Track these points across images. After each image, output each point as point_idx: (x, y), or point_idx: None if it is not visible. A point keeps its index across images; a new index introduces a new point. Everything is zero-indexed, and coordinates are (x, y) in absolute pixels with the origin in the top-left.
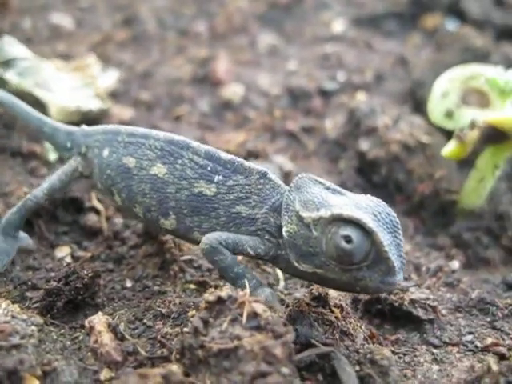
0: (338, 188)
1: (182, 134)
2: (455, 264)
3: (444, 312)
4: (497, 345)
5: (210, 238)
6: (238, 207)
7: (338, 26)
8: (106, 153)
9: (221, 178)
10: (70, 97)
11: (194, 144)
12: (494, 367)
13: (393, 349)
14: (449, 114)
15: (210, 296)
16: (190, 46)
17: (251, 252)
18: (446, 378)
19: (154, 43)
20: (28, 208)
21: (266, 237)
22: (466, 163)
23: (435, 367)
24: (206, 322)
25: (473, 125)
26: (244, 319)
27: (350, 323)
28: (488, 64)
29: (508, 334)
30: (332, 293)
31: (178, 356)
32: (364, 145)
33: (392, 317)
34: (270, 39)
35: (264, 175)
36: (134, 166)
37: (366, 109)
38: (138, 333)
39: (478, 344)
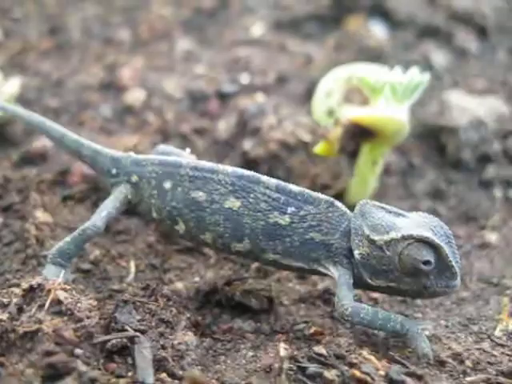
0: (398, 210)
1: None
2: None
3: (287, 303)
4: (321, 334)
5: (345, 302)
6: (312, 234)
7: (258, 29)
8: (168, 185)
9: (293, 209)
10: None
11: (264, 178)
12: (283, 352)
13: (218, 336)
14: (330, 113)
15: (24, 284)
16: (110, 54)
17: (352, 283)
18: (254, 364)
19: (76, 52)
20: (87, 237)
21: (345, 261)
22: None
23: (250, 353)
24: (20, 309)
25: (336, 122)
26: (47, 305)
27: (171, 312)
28: (387, 64)
29: (343, 324)
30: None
31: None
32: (247, 144)
33: (229, 307)
34: (187, 45)
35: (332, 204)
36: (204, 200)
37: (254, 110)
38: None
39: (306, 332)
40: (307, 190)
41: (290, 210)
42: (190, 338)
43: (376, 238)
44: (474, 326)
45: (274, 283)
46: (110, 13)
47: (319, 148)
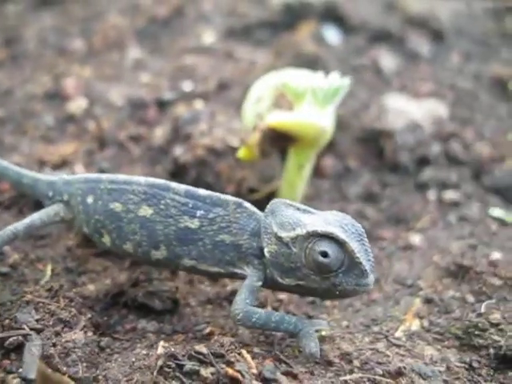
0: (308, 208)
1: (25, 148)
2: None
3: (193, 304)
4: (213, 334)
5: (237, 307)
6: (222, 236)
7: (209, 37)
8: (90, 200)
9: (202, 212)
10: None
11: (174, 185)
12: (160, 350)
13: (119, 336)
14: (259, 118)
15: None
16: (61, 64)
17: (259, 285)
18: (142, 361)
19: (29, 62)
20: (6, 237)
21: (256, 262)
22: None
23: (143, 352)
24: None
25: (255, 127)
26: None
27: (71, 312)
28: (326, 69)
29: None
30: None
31: None
32: (178, 150)
33: (135, 308)
34: (137, 54)
35: (240, 205)
36: (121, 210)
37: (188, 117)
38: None
39: (205, 332)
40: (216, 193)
41: (199, 213)
42: (79, 336)
43: (283, 234)
44: (375, 326)
45: (183, 285)
46: (68, 23)
47: (240, 153)
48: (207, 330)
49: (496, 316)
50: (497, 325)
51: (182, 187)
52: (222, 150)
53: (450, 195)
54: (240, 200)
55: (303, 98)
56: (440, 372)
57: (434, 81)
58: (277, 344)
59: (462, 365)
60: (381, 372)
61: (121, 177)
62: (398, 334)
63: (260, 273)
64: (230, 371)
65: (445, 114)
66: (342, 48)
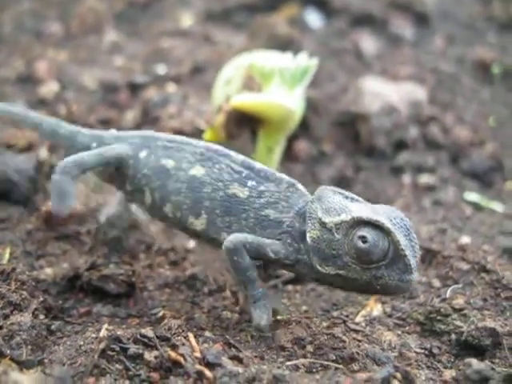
0: (356, 197)
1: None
2: (191, 244)
3: (151, 288)
4: (165, 317)
5: (235, 239)
6: (267, 210)
7: (188, 20)
8: (143, 154)
9: (254, 183)
10: None
11: (233, 153)
12: (103, 333)
13: (71, 320)
14: (227, 100)
15: None
16: (38, 48)
17: (272, 255)
18: (89, 345)
19: (6, 46)
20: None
21: (289, 240)
22: None
23: (93, 335)
24: None
25: (219, 109)
26: None
27: (22, 295)
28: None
29: (201, 308)
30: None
31: None
32: None
33: (92, 292)
34: (114, 37)
35: (293, 185)
36: (172, 167)
37: (158, 100)
38: None
39: (159, 315)
40: (272, 170)
41: (251, 183)
42: (26, 319)
43: (327, 220)
44: (335, 311)
45: (141, 269)
46: (45, 7)
47: (206, 135)
48: (160, 314)
49: (460, 301)
50: (460, 310)
51: (241, 157)
52: (191, 133)
53: (425, 179)
54: (294, 181)
55: (271, 80)
56: (394, 358)
57: (415, 64)
58: (232, 329)
59: (422, 351)
60: (334, 357)
61: (179, 137)
62: (358, 319)
63: (286, 251)
64: (173, 355)
65: (424, 98)
66: (323, 31)
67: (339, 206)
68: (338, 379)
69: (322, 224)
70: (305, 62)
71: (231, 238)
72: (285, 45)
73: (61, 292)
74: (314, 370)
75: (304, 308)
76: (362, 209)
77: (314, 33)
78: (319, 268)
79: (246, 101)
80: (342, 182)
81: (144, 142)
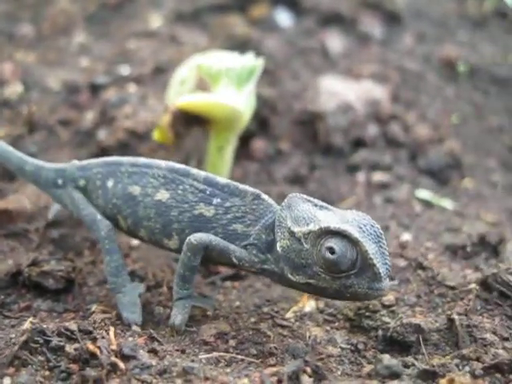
0: (325, 204)
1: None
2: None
3: (92, 284)
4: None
5: (200, 238)
6: (235, 225)
7: (157, 21)
8: (110, 183)
9: (219, 200)
10: None
11: (194, 171)
12: (26, 326)
13: (9, 314)
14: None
15: None
16: (8, 49)
17: (235, 261)
18: (20, 337)
19: None
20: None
21: (254, 252)
22: None
23: (30, 326)
24: None
25: (166, 109)
26: None
27: None
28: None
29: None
30: None
31: None
32: (102, 134)
33: (33, 287)
34: (83, 39)
35: (258, 196)
36: (139, 193)
37: (115, 100)
38: None
39: (92, 310)
40: (234, 183)
41: (216, 201)
42: None
43: (296, 229)
44: (266, 307)
45: (84, 265)
46: (18, 9)
47: (155, 135)
48: (93, 309)
49: (390, 298)
50: (389, 306)
51: (202, 174)
52: (145, 133)
53: (378, 177)
54: (258, 191)
55: (218, 80)
56: (307, 353)
57: (380, 63)
58: (162, 323)
59: (348, 346)
60: (255, 352)
61: (141, 160)
62: (289, 314)
63: (250, 260)
64: (91, 347)
65: (384, 96)
66: (292, 30)
67: (308, 214)
68: (248, 372)
69: (291, 233)
70: (251, 61)
71: (198, 236)
72: (243, 45)
73: (4, 287)
74: (234, 364)
75: (237, 304)
76: (330, 218)
77: (283, 32)
78: (290, 277)
79: (191, 101)
80: (297, 181)
81: (109, 169)
